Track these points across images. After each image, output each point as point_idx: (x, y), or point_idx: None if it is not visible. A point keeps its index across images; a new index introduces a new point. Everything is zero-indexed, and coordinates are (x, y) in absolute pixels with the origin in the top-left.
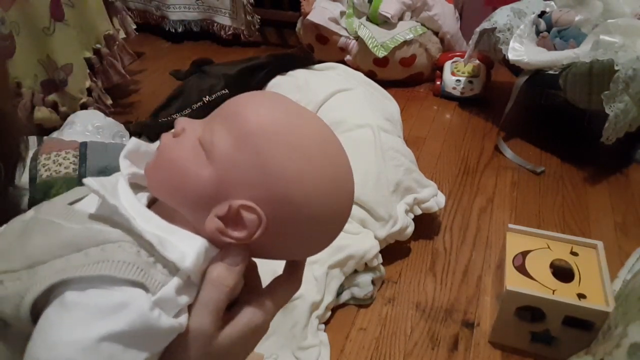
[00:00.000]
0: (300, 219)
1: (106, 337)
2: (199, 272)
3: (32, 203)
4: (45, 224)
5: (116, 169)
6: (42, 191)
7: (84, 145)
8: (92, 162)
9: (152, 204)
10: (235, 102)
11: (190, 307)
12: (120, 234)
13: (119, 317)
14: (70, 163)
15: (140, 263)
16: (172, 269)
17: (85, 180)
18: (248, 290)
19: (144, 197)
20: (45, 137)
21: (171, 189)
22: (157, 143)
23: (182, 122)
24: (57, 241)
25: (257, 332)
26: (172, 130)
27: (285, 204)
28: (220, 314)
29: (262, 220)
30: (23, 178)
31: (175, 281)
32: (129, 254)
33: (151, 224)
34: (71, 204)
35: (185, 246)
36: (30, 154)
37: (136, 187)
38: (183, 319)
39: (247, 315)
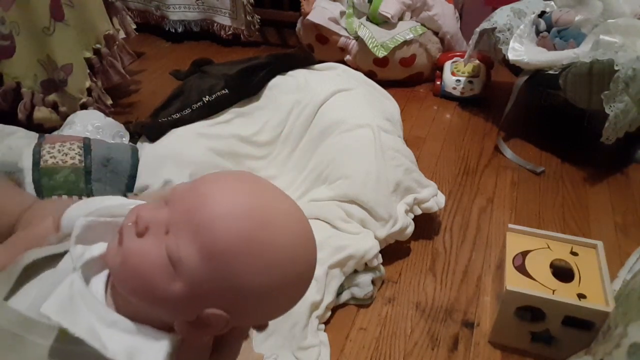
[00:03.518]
0: (266, 311)
1: None
2: None
3: (38, 185)
4: (7, 338)
5: (120, 162)
6: (47, 175)
7: (87, 139)
8: (96, 153)
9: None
10: (202, 205)
11: None
12: (90, 354)
13: None
14: (76, 154)
15: None
16: None
17: (43, 311)
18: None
19: (101, 279)
20: (46, 134)
21: (140, 296)
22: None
23: (144, 217)
24: None
25: None
26: (133, 224)
27: (253, 306)
28: None
29: (229, 322)
30: (25, 163)
31: None
32: None
33: (116, 328)
34: (7, 296)
35: (154, 352)
36: (33, 144)
37: (93, 265)
38: None
39: None
